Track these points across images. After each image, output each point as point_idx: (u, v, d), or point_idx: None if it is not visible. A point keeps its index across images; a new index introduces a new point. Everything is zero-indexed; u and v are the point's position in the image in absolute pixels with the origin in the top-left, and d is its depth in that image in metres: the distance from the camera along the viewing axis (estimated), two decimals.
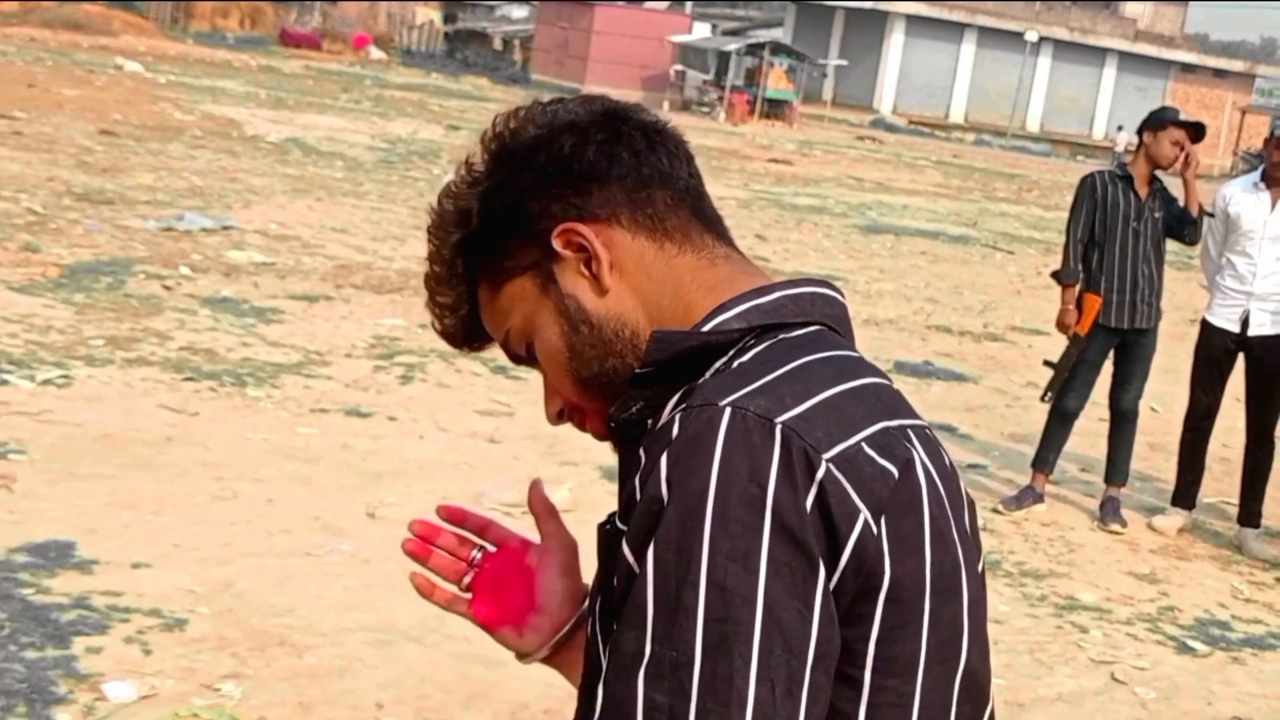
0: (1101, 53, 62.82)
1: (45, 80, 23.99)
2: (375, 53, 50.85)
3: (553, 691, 4.86)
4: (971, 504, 1.38)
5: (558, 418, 1.47)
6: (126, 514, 5.89)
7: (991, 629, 5.11)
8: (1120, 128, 57.23)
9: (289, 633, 5.02)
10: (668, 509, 1.18)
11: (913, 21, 59.18)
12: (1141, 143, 7.60)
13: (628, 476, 1.26)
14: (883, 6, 58.56)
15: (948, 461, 1.33)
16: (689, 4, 62.28)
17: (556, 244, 1.39)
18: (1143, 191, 7.55)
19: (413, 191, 17.38)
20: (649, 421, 1.31)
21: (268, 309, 9.91)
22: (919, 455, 1.26)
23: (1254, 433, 7.70)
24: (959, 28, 60.14)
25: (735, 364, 1.28)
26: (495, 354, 6.21)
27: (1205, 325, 7.74)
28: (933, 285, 15.56)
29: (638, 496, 1.21)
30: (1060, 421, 7.79)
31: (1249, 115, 57.77)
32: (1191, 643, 6.16)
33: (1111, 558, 7.16)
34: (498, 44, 57.38)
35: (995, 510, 7.61)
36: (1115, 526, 7.59)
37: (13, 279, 9.62)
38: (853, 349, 1.36)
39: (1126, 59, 63.21)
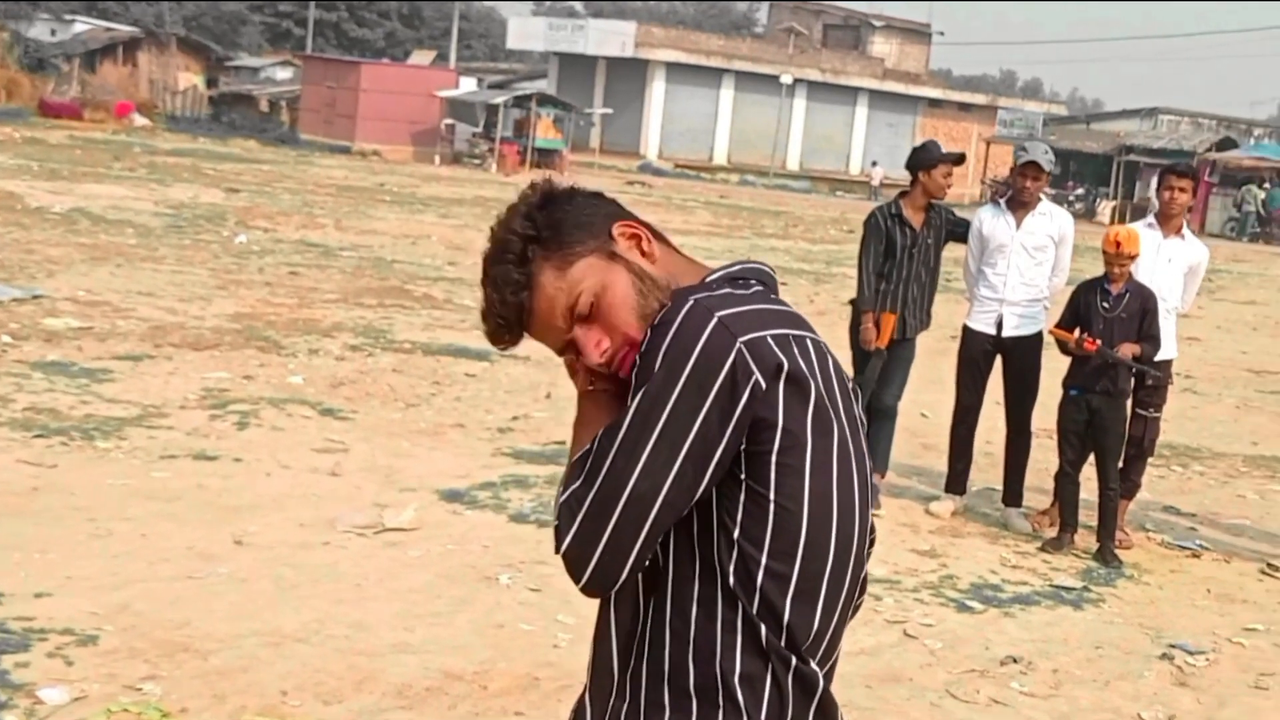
0: (853, 92, 65.29)
1: None
2: (139, 120, 50.29)
3: (429, 673, 5.58)
4: (855, 390, 2.25)
5: (602, 355, 2.20)
6: (16, 554, 6.42)
7: None
8: (875, 163, 59.56)
9: (190, 640, 5.64)
10: (646, 351, 2.08)
11: (672, 69, 60.81)
12: (916, 180, 8.70)
13: None
14: (642, 55, 60.06)
15: (832, 361, 2.17)
16: (453, 59, 63.02)
17: (616, 232, 2.21)
18: (917, 221, 8.68)
19: (208, 254, 17.79)
20: None
21: (97, 369, 10.38)
22: (810, 352, 2.12)
23: (1013, 424, 8.76)
24: (717, 73, 61.95)
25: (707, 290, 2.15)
26: (321, 399, 7.11)
27: (966, 330, 8.81)
28: None
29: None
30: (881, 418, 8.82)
31: (994, 145, 60.59)
32: (969, 603, 7.12)
33: (896, 539, 8.11)
34: (264, 105, 57.30)
35: None
36: None
37: None
38: (775, 294, 2.24)
39: (877, 97, 65.78)
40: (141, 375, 10.40)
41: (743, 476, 2.08)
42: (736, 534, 2.09)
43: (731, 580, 2.10)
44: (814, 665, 2.17)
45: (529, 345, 7.41)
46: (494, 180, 41.56)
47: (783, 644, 2.12)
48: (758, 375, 2.04)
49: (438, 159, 48.20)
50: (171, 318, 12.95)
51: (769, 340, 2.07)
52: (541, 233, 2.19)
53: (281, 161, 39.68)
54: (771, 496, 2.08)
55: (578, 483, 2.11)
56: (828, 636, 2.19)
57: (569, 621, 6.25)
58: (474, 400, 10.72)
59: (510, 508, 7.92)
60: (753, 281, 2.21)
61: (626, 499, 2.06)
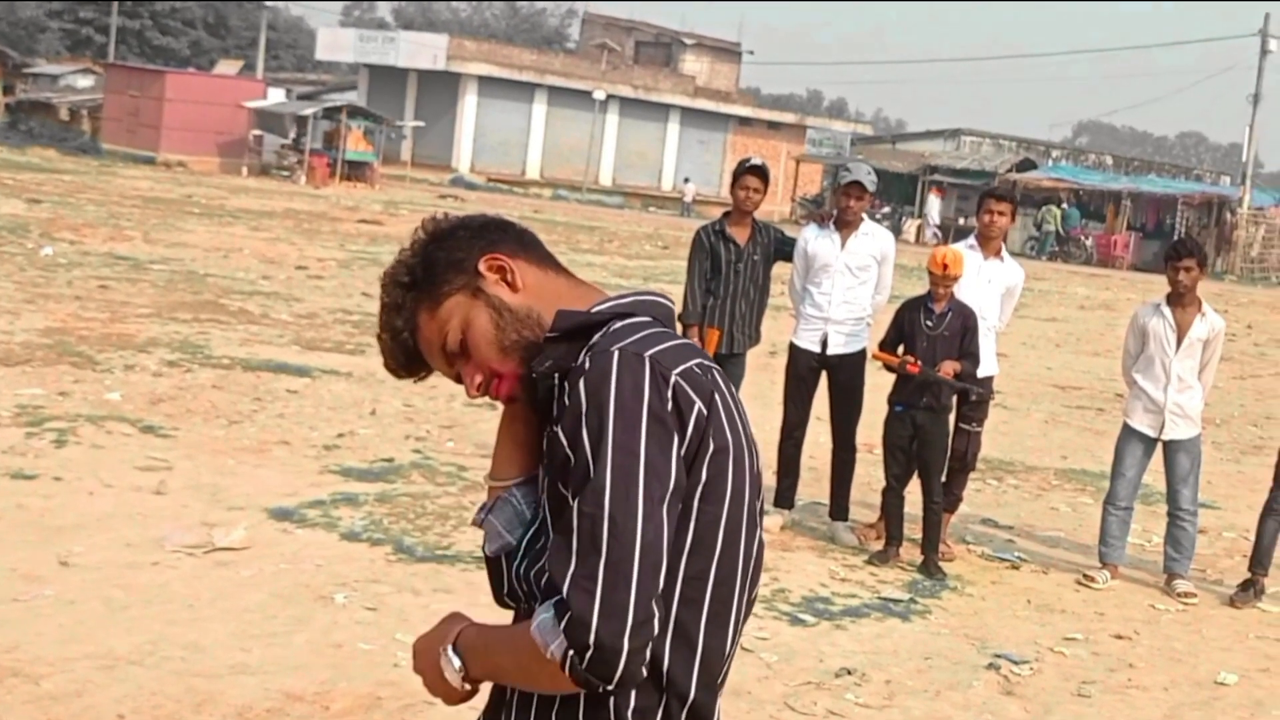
0: (665, 109, 65.80)
1: None
2: None
3: (269, 694, 5.50)
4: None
5: (477, 389, 2.27)
6: None
7: None
8: (687, 179, 60.14)
9: (20, 665, 5.49)
10: (587, 411, 2.05)
11: (485, 82, 60.64)
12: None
13: (559, 405, 2.13)
14: (454, 68, 59.80)
15: (733, 389, 2.22)
16: (261, 70, 62.08)
17: (483, 267, 2.25)
18: (741, 238, 8.81)
19: (13, 267, 17.28)
20: (554, 375, 2.17)
21: None
22: (719, 381, 2.17)
23: (838, 440, 8.92)
24: (530, 87, 61.95)
25: (609, 332, 2.16)
26: (141, 416, 6.99)
27: (792, 347, 8.95)
28: None
29: (567, 403, 2.08)
30: None
31: (803, 164, 61.63)
32: (802, 615, 7.23)
33: None
34: (64, 114, 55.77)
35: None
36: None
37: None
38: (672, 329, 2.26)
39: (688, 114, 66.39)
40: None
41: None
42: None
43: None
44: (716, 705, 2.21)
45: (350, 361, 7.43)
46: (304, 192, 41.06)
47: (695, 672, 2.14)
48: (699, 404, 2.09)
49: (245, 170, 47.47)
50: None
51: (695, 370, 2.12)
52: (417, 276, 2.28)
53: (84, 171, 38.72)
54: (692, 526, 2.11)
55: (575, 562, 2.02)
56: (732, 657, 2.24)
57: (408, 640, 6.18)
58: (297, 417, 10.58)
59: (341, 526, 7.84)
60: (645, 318, 2.23)
61: (640, 550, 2.02)
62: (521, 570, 2.23)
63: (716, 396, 2.13)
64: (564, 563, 2.03)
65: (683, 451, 2.08)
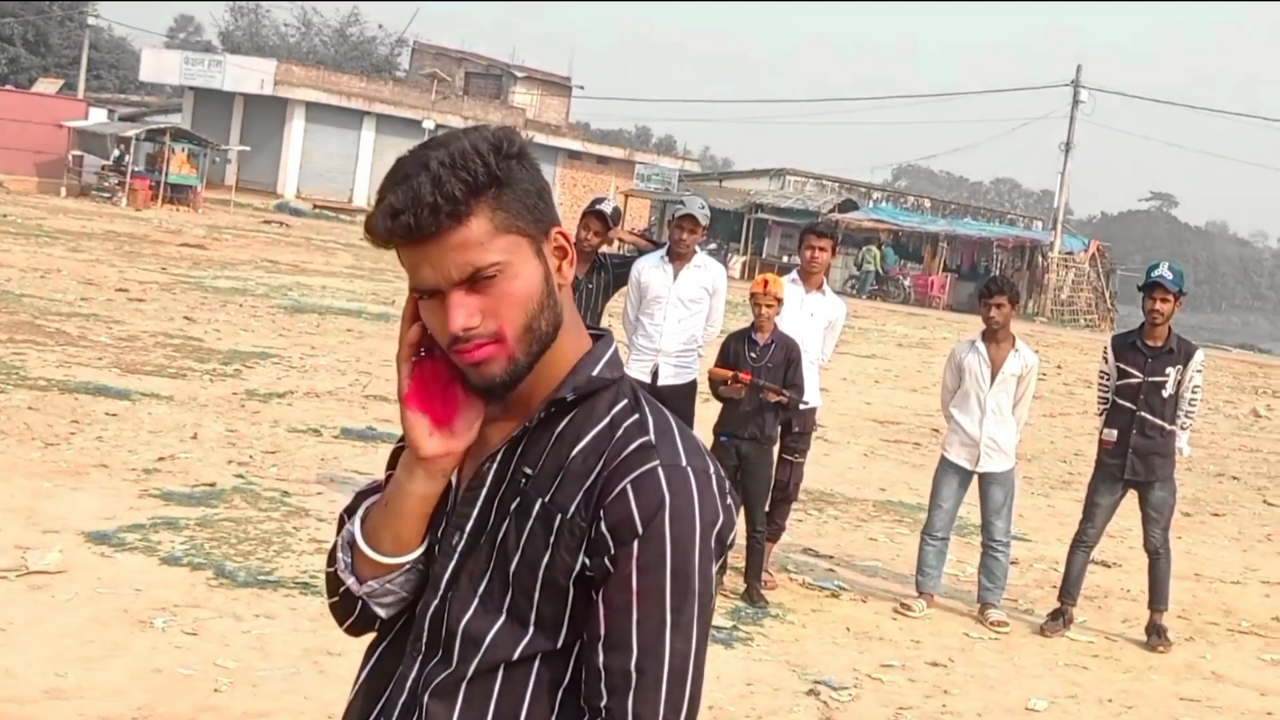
0: None
1: None
2: None
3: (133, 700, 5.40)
4: None
5: (464, 330, 1.95)
6: None
7: None
8: None
9: None
10: (673, 541, 1.97)
11: (312, 108, 60.05)
12: None
13: (561, 466, 2.00)
14: (281, 93, 59.15)
15: None
16: (82, 89, 60.81)
17: (554, 233, 2.04)
18: (581, 271, 8.86)
19: None
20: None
21: None
22: None
23: None
24: (358, 115, 61.48)
25: (649, 423, 2.03)
26: None
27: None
28: (363, 359, 16.44)
29: (640, 530, 1.96)
30: None
31: (631, 198, 62.00)
32: None
33: None
34: None
35: None
36: None
37: None
38: None
39: None
40: None
41: None
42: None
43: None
44: None
45: (171, 385, 7.35)
46: (125, 214, 40.22)
47: None
48: (735, 523, 2.10)
49: (64, 191, 46.36)
50: None
51: (724, 473, 2.11)
52: (504, 178, 1.96)
53: None
54: None
55: (666, 700, 2.00)
56: None
57: (230, 665, 6.14)
58: (116, 440, 10.38)
59: (161, 550, 7.72)
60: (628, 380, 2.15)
61: (694, 672, 2.03)
62: (445, 616, 2.06)
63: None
64: (654, 700, 1.99)
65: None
